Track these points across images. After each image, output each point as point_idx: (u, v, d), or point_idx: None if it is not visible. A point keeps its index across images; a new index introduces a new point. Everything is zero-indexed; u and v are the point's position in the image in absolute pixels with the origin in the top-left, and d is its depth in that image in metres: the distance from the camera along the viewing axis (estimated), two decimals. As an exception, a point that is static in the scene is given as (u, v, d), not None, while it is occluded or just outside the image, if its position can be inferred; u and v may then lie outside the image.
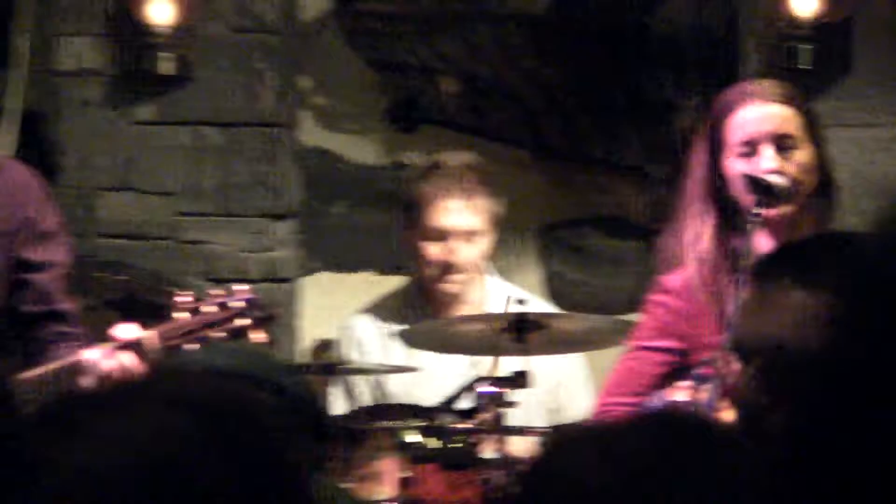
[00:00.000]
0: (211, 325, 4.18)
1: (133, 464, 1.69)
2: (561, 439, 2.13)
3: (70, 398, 1.82)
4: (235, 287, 4.36)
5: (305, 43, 6.83)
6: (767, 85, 4.65)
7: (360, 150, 6.94)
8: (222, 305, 4.19)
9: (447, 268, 5.70)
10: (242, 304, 4.21)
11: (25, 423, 1.84)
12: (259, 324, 4.22)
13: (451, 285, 5.73)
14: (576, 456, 1.96)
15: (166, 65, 6.45)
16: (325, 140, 6.91)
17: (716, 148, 4.44)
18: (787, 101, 4.47)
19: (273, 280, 6.44)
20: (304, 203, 6.77)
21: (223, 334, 4.19)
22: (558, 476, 1.96)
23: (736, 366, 3.05)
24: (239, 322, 4.20)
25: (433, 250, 5.68)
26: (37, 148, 6.49)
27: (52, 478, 1.67)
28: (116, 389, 1.85)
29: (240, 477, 1.73)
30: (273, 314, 4.48)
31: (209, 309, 4.19)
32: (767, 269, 3.08)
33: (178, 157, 6.52)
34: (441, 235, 5.67)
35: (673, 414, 2.29)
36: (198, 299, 4.26)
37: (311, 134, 6.86)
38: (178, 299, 4.27)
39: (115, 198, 6.53)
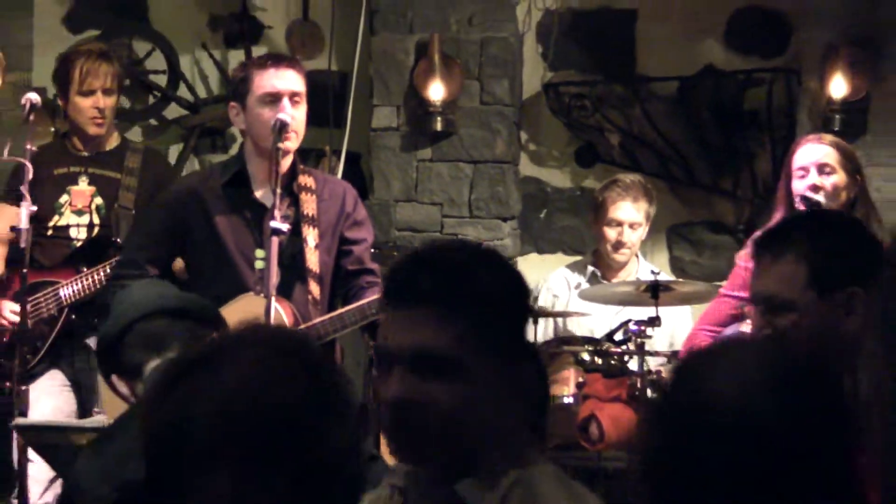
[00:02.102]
0: None
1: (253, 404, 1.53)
2: (700, 356, 1.79)
3: (200, 352, 1.61)
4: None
5: (525, 111, 6.74)
6: (814, 135, 4.79)
7: (557, 178, 6.80)
8: None
9: (618, 245, 5.78)
10: None
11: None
12: None
13: (619, 256, 5.80)
14: (715, 369, 1.71)
15: (438, 124, 6.47)
16: (536, 172, 6.79)
17: (787, 173, 4.52)
18: (828, 143, 4.52)
19: (501, 259, 6.40)
20: (521, 211, 6.71)
21: None
22: (699, 386, 1.70)
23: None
24: None
25: (610, 233, 5.78)
26: (357, 176, 6.56)
27: (194, 415, 1.53)
28: (231, 342, 1.62)
29: (326, 410, 1.59)
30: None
31: None
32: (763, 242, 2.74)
33: (444, 182, 6.57)
34: (616, 224, 5.77)
35: (786, 343, 1.82)
36: None
37: (527, 168, 6.77)
38: None
39: (404, 207, 6.61)
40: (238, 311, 4.00)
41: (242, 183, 4.36)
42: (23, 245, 4.75)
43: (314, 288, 4.30)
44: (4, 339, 5.13)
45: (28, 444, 4.42)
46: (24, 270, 4.77)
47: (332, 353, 4.18)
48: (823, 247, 2.54)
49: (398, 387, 2.03)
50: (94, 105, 5.17)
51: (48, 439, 3.95)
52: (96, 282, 5.03)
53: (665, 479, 1.69)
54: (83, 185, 5.22)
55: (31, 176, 4.88)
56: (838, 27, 6.13)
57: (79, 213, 5.20)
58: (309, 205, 4.30)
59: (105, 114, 5.21)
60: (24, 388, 5.12)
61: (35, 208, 5.02)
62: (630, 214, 5.79)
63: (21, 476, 4.75)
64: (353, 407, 1.62)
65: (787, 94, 6.39)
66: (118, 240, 5.08)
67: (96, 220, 5.19)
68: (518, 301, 2.18)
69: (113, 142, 5.33)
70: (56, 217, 5.21)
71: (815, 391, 1.65)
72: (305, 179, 4.37)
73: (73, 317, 5.04)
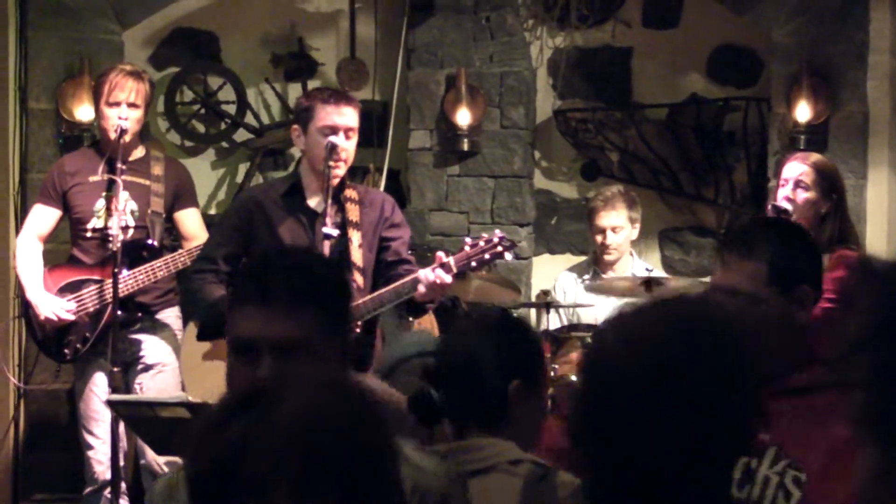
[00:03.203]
0: (483, 251, 4.17)
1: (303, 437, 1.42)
2: (599, 335, 1.73)
3: (256, 390, 1.47)
4: (495, 232, 4.27)
5: (538, 133, 6.72)
6: (803, 153, 4.80)
7: (566, 190, 6.80)
8: (488, 241, 4.18)
9: (604, 247, 5.84)
10: (498, 239, 4.19)
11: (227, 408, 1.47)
12: (507, 249, 4.22)
13: (608, 256, 5.85)
14: (609, 344, 1.64)
15: (465, 145, 6.50)
16: (547, 185, 6.78)
17: (778, 182, 4.56)
18: (809, 163, 4.49)
19: (518, 258, 6.16)
20: (535, 217, 6.70)
21: (489, 256, 4.18)
22: (598, 364, 1.65)
23: None
24: (496, 249, 4.18)
25: (598, 238, 5.86)
26: (396, 188, 6.64)
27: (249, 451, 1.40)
28: (285, 382, 1.48)
29: (371, 434, 1.46)
30: (515, 244, 4.39)
31: (481, 243, 4.18)
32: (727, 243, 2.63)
33: (469, 194, 6.57)
34: (600, 230, 5.84)
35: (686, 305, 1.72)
36: (475, 238, 4.26)
37: (540, 181, 6.76)
38: (465, 240, 4.26)
39: (436, 215, 6.61)
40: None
41: (298, 193, 4.42)
42: (114, 249, 4.84)
43: (359, 278, 4.32)
44: (50, 332, 5.11)
45: (120, 418, 4.46)
46: (116, 270, 4.84)
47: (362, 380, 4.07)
48: (783, 251, 2.52)
49: (266, 372, 2.05)
50: (117, 116, 4.99)
51: (138, 413, 3.91)
52: (140, 282, 5.00)
53: (582, 436, 1.64)
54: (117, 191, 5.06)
55: (121, 188, 4.93)
56: (802, 62, 6.13)
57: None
58: (353, 212, 4.35)
59: (127, 125, 5.03)
60: (83, 387, 5.15)
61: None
62: (611, 220, 5.85)
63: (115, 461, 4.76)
64: (386, 428, 1.52)
65: (759, 118, 6.47)
66: (154, 242, 5.07)
67: (131, 223, 5.07)
68: (343, 293, 2.28)
69: (137, 153, 5.18)
70: (94, 220, 5.13)
71: (690, 348, 1.59)
72: (350, 192, 4.44)
73: (119, 312, 4.88)
